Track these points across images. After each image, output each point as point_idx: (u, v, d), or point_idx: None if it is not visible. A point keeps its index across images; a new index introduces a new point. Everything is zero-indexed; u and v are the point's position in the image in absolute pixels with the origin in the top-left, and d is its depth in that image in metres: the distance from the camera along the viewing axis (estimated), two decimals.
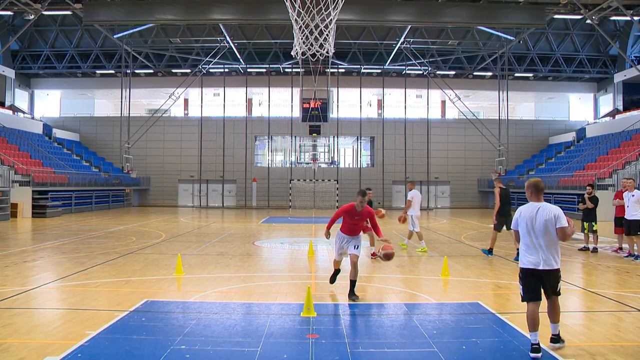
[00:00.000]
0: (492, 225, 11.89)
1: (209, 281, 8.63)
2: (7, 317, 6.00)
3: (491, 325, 5.91)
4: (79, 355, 4.75)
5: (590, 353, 4.91)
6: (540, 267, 4.92)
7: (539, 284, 4.96)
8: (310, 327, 5.77)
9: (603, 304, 7.07)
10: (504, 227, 11.36)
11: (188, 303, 6.99)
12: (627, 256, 11.50)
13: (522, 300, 5.04)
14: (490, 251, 11.73)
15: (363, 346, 5.15)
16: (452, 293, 8.04)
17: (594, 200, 12.63)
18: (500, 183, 11.87)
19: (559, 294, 5.02)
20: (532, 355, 4.77)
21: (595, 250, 12.48)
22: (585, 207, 12.68)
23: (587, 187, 12.94)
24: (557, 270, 4.98)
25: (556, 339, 4.99)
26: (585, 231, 12.74)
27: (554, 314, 5.00)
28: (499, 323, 5.97)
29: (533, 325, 4.84)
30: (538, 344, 4.79)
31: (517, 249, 10.58)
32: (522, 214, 5.11)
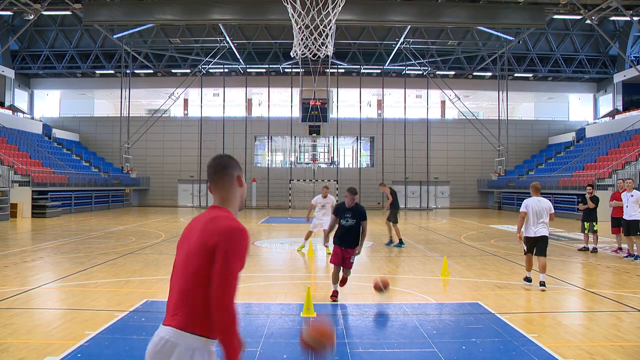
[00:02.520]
0: (387, 219, 13.64)
1: None
2: (7, 317, 5.99)
3: (491, 325, 5.91)
4: (79, 355, 4.74)
5: (590, 353, 4.92)
6: (539, 234, 8.05)
7: (534, 245, 8.15)
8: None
9: (603, 304, 7.08)
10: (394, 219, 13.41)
11: None
12: (626, 256, 11.50)
13: (525, 253, 8.29)
14: (400, 242, 13.28)
15: (363, 346, 5.15)
16: (452, 293, 8.04)
17: (595, 200, 12.62)
18: (386, 187, 14.02)
19: (545, 255, 8.09)
20: (526, 283, 8.27)
21: (595, 250, 12.48)
22: (586, 207, 12.65)
23: (588, 187, 12.91)
24: (547, 237, 8.14)
25: (543, 283, 7.90)
26: (586, 231, 12.72)
27: (542, 268, 8.02)
28: (499, 323, 5.97)
29: (529, 266, 8.30)
30: (530, 277, 8.29)
31: (390, 238, 13.66)
32: (529, 204, 8.14)
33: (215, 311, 2.14)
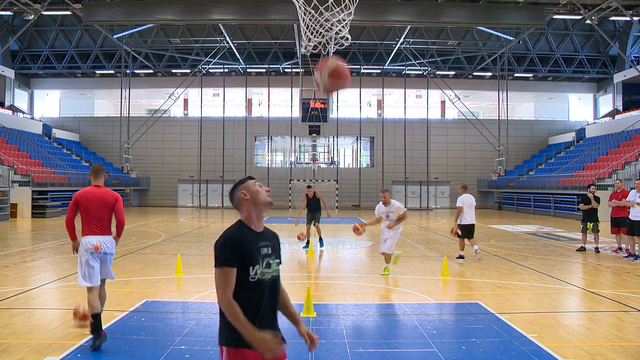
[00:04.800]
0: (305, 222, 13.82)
1: (209, 281, 8.61)
2: (7, 317, 5.99)
3: (491, 325, 5.91)
4: (79, 355, 4.74)
5: (590, 353, 4.92)
6: (473, 222, 10.73)
7: (469, 231, 10.73)
8: (310, 327, 5.76)
9: (603, 304, 7.07)
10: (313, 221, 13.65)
11: (188, 303, 6.98)
12: (627, 256, 11.50)
13: (459, 237, 10.79)
14: (307, 243, 12.97)
15: (363, 346, 5.14)
16: (452, 293, 8.04)
17: (597, 199, 12.62)
18: (310, 190, 14.07)
19: (473, 237, 10.76)
20: (461, 259, 10.64)
21: (597, 250, 12.46)
22: (589, 207, 12.61)
23: (591, 187, 12.80)
24: (475, 224, 10.85)
25: (477, 251, 10.73)
26: (589, 231, 12.68)
27: (471, 245, 10.75)
28: (499, 323, 5.96)
29: (463, 247, 10.83)
30: (464, 255, 10.75)
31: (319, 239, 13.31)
32: (464, 200, 10.71)
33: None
